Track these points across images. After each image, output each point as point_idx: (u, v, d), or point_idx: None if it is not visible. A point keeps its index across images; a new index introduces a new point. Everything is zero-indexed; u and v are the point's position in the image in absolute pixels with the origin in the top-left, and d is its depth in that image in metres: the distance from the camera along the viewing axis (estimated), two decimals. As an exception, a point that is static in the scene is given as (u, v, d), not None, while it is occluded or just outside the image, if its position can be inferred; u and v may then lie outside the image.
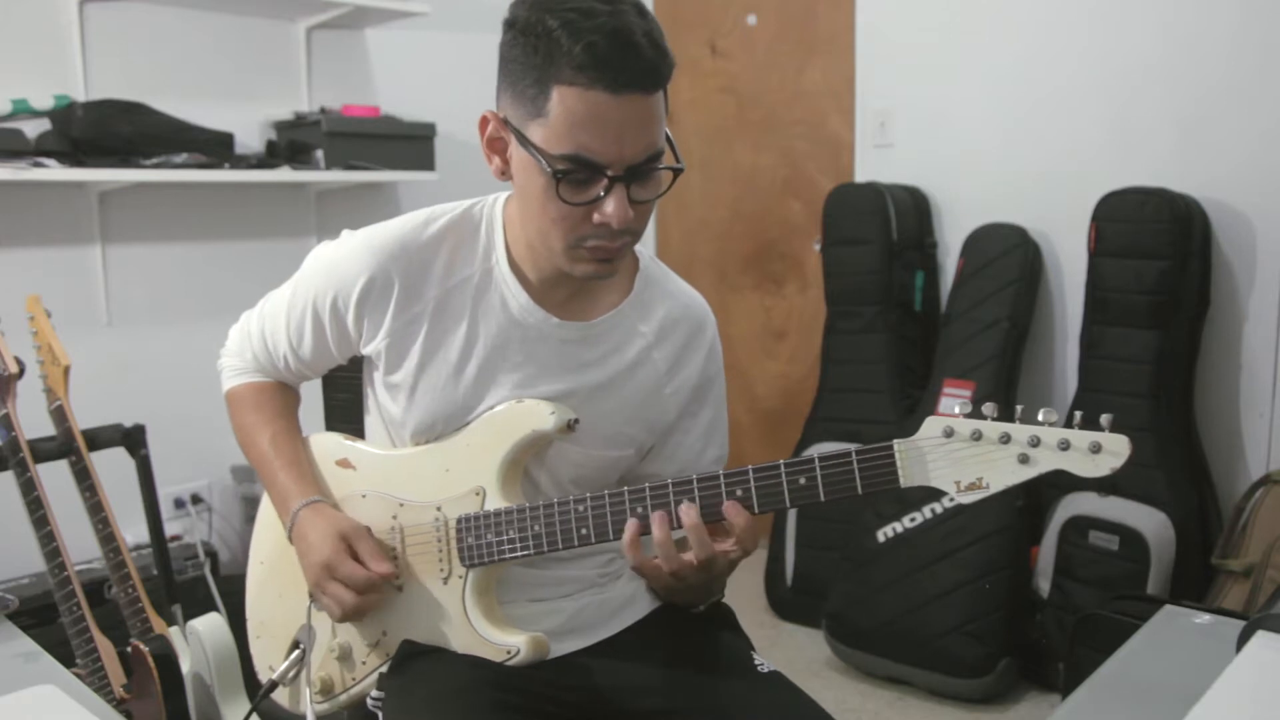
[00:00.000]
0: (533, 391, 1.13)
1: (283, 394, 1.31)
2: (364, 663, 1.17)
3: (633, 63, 0.95)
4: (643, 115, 0.98)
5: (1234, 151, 2.37)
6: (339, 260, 1.16)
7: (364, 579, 1.10)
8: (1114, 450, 0.89)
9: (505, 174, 1.07)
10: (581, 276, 1.08)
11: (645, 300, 1.19)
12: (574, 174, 0.98)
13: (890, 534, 2.52)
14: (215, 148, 2.53)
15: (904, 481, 0.95)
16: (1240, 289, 2.40)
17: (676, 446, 1.22)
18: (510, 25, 0.99)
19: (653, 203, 1.04)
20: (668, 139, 1.03)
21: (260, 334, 1.27)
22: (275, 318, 1.24)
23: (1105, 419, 0.90)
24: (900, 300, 2.79)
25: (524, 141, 1.00)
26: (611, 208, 0.99)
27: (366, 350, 1.17)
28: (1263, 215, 2.35)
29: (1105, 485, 2.37)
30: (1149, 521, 2.29)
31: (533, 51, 0.96)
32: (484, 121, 1.06)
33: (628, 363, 1.16)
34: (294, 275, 1.22)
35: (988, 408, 0.93)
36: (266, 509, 1.30)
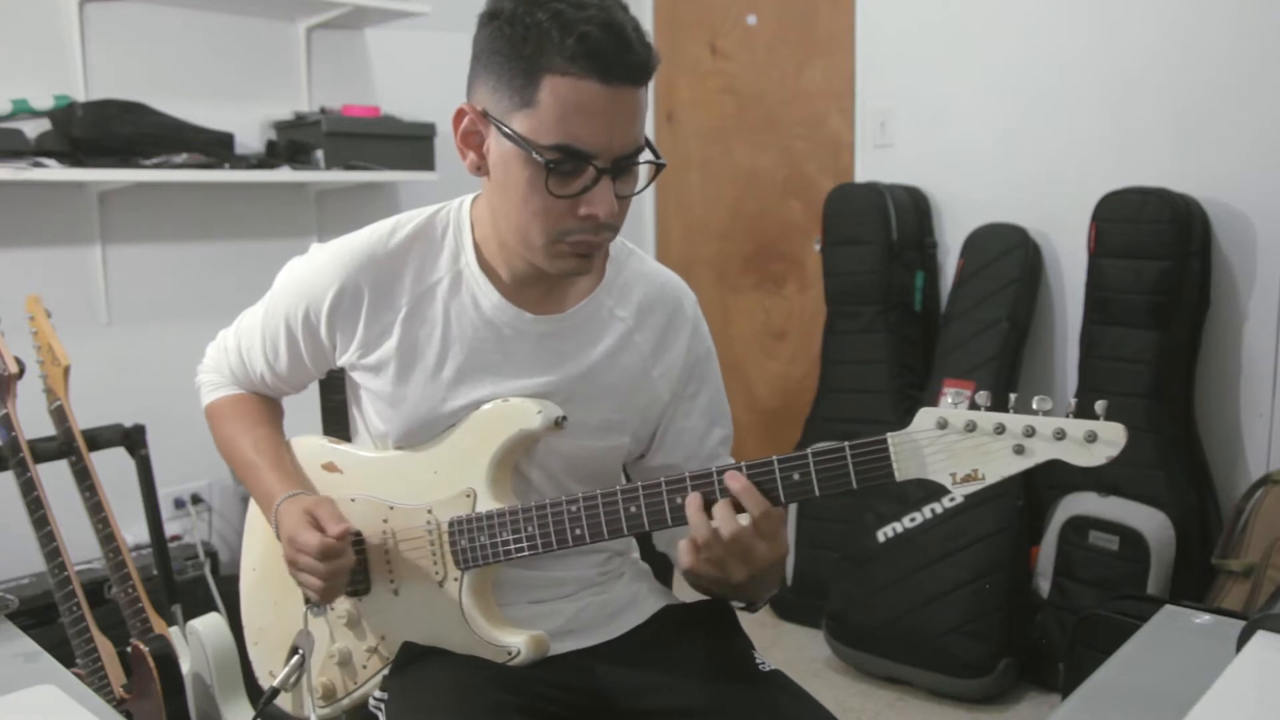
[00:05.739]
0: (513, 389, 1.12)
1: (264, 403, 1.31)
2: (364, 667, 1.17)
3: (625, 55, 0.96)
4: (631, 108, 0.99)
5: (1234, 151, 2.37)
6: (308, 274, 1.16)
7: (318, 544, 1.06)
8: (1109, 439, 0.87)
9: (480, 169, 1.06)
10: (559, 273, 1.08)
11: (619, 284, 1.18)
12: (563, 164, 0.98)
13: (890, 534, 2.52)
14: (215, 148, 2.53)
15: (899, 475, 0.93)
16: (1240, 289, 2.40)
17: (680, 432, 1.21)
18: (494, 17, 0.99)
19: (631, 199, 1.04)
20: (645, 137, 1.03)
21: (237, 350, 1.27)
22: (251, 334, 1.25)
23: (1100, 406, 0.88)
24: (900, 300, 2.79)
25: (508, 133, 0.99)
26: (599, 199, 0.99)
27: (342, 361, 1.17)
28: (1263, 215, 2.35)
29: (1105, 485, 2.37)
30: (1149, 522, 2.29)
31: (521, 42, 0.96)
32: (459, 115, 1.05)
33: (608, 349, 1.16)
34: (268, 292, 1.23)
35: (981, 397, 0.91)
36: (254, 515, 1.29)
